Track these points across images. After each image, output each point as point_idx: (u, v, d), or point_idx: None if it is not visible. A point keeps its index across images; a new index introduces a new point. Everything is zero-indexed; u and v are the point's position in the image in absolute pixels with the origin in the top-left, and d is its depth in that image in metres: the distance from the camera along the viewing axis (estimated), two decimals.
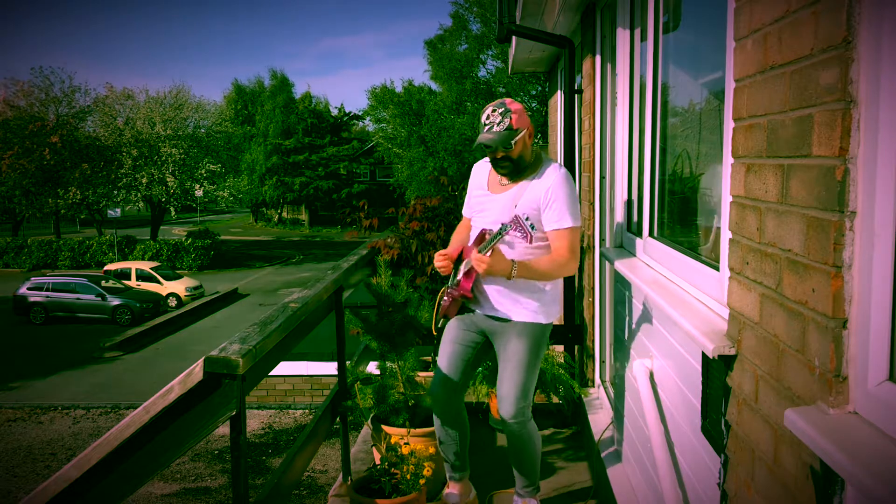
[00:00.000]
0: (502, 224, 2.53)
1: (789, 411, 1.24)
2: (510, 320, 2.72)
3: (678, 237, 2.70)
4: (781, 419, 1.30)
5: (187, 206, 39.06)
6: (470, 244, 2.79)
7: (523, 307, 2.71)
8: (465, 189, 3.19)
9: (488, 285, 2.73)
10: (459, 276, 2.77)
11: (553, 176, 2.63)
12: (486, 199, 2.76)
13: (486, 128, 2.58)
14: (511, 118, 2.57)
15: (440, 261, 2.77)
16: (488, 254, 2.54)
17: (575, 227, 2.64)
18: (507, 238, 2.65)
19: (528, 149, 2.67)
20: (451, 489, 3.07)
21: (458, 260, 2.85)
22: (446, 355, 2.84)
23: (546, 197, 2.61)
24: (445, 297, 2.85)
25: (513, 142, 2.56)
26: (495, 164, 2.67)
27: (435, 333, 3.14)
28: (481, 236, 2.70)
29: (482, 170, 2.87)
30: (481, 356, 2.91)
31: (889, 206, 1.11)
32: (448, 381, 2.82)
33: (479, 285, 2.75)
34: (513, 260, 2.58)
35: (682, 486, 2.25)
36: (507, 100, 2.63)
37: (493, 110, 2.59)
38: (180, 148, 32.66)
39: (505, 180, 2.72)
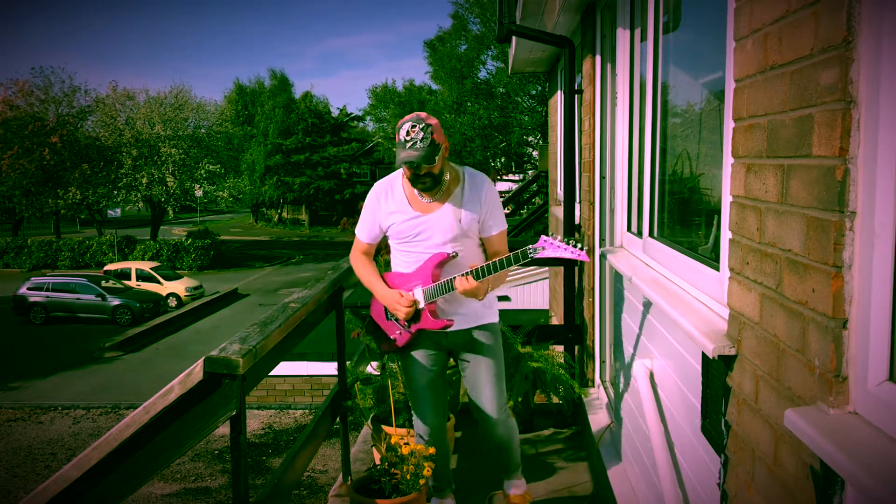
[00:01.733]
0: (531, 247, 2.39)
1: (789, 411, 1.24)
2: (474, 327, 2.73)
3: (678, 237, 2.70)
4: (781, 419, 1.30)
5: (187, 206, 39.09)
6: (414, 271, 2.66)
7: (481, 310, 2.73)
8: None
9: (446, 302, 2.67)
10: (422, 304, 2.63)
11: (482, 183, 2.66)
12: (419, 222, 2.62)
13: (409, 144, 2.46)
14: (433, 135, 2.49)
15: (410, 308, 2.62)
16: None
17: (505, 226, 2.75)
18: (462, 255, 2.63)
19: (445, 163, 2.62)
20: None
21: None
22: (427, 385, 2.80)
23: (485, 205, 2.63)
24: (399, 332, 2.73)
25: (436, 157, 2.49)
26: (416, 180, 2.55)
27: (381, 361, 3.11)
28: (439, 261, 2.60)
29: (391, 191, 2.70)
30: (445, 373, 2.92)
31: (889, 206, 1.11)
32: (438, 410, 2.84)
33: (440, 309, 2.69)
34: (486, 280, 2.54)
35: (682, 486, 2.25)
36: (423, 114, 2.54)
37: (413, 126, 2.47)
38: (180, 148, 32.68)
39: (427, 197, 2.62)
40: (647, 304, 2.76)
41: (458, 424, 3.90)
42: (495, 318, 2.79)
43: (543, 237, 2.40)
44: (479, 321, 2.73)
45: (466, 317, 2.70)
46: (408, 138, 2.47)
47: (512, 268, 2.51)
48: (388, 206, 2.68)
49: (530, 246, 2.39)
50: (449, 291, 2.56)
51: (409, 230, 2.65)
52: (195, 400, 1.81)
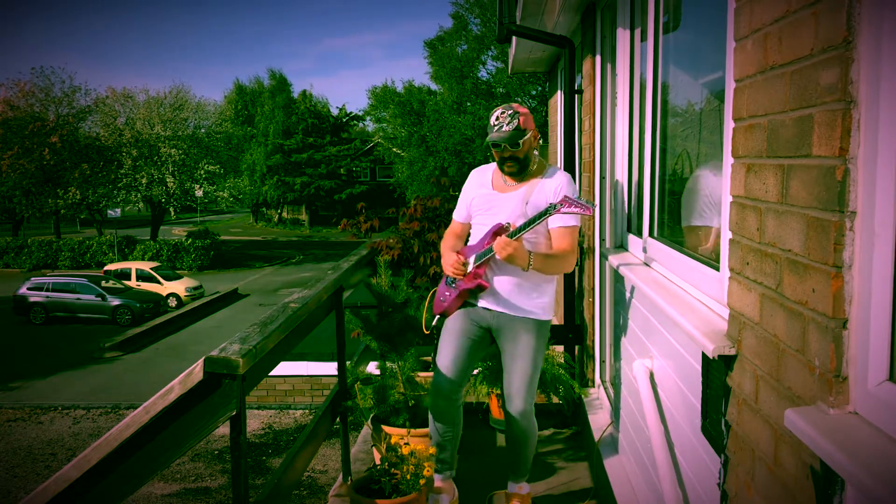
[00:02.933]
0: (550, 204, 2.56)
1: (789, 411, 1.24)
2: (521, 317, 2.79)
3: (678, 237, 2.70)
4: (781, 419, 1.30)
5: (187, 207, 39.05)
6: (476, 242, 2.84)
7: (534, 304, 2.80)
8: None
9: (499, 281, 2.79)
10: (470, 268, 2.81)
11: (561, 177, 2.81)
12: (494, 198, 2.84)
13: (496, 128, 2.71)
14: (519, 120, 2.70)
15: (457, 268, 2.81)
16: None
17: (577, 226, 2.81)
18: (528, 239, 2.72)
19: (534, 150, 2.80)
20: (441, 487, 3.06)
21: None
22: (453, 347, 2.84)
23: (555, 195, 2.73)
24: (448, 292, 2.89)
25: (520, 141, 2.69)
26: (502, 163, 2.78)
27: (427, 332, 3.18)
28: (496, 229, 2.75)
29: (483, 173, 2.97)
30: (481, 352, 2.96)
31: (889, 206, 1.11)
32: (455, 374, 2.84)
33: (488, 280, 2.81)
34: (529, 251, 2.64)
35: (682, 486, 2.25)
36: (515, 104, 2.76)
37: (503, 112, 2.72)
38: (180, 148, 32.65)
39: (511, 181, 2.82)
40: (648, 304, 2.76)
41: None
42: (543, 317, 2.84)
43: (565, 195, 2.60)
44: (521, 311, 2.80)
45: (513, 300, 2.79)
46: (496, 122, 2.73)
47: (568, 262, 2.75)
48: (475, 183, 2.97)
49: (554, 203, 2.57)
50: (491, 254, 2.71)
51: (483, 204, 2.88)
52: (195, 400, 1.80)
